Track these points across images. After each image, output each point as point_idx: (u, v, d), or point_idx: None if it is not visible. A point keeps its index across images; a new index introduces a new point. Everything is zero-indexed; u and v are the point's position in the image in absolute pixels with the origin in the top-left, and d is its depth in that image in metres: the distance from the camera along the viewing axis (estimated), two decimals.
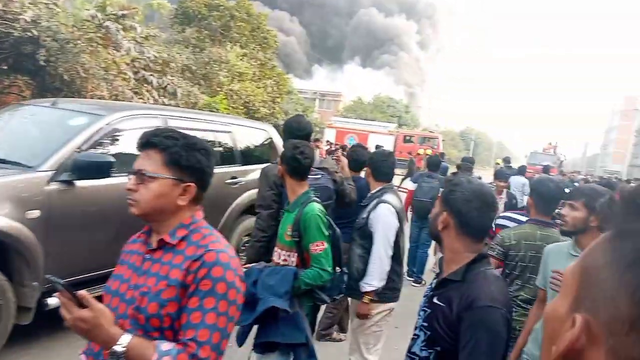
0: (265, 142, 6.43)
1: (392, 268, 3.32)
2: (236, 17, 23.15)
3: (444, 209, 1.80)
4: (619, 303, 0.48)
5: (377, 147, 9.36)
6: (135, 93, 13.39)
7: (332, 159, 3.99)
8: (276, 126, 26.00)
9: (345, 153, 15.45)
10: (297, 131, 3.52)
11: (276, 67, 25.01)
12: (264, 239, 3.48)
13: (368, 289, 3.24)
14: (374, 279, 3.23)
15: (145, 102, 13.26)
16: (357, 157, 4.65)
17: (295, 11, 60.34)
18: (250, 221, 5.01)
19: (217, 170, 5.28)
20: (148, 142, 1.56)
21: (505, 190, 6.43)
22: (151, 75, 13.42)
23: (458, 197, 1.75)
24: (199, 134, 5.04)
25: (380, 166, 3.52)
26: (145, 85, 13.60)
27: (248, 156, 6.00)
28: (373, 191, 3.49)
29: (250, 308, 2.63)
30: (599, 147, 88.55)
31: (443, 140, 37.16)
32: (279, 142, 6.57)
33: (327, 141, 23.23)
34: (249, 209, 5.66)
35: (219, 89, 20.04)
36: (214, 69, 20.04)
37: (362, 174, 4.31)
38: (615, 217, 0.54)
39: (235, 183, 5.62)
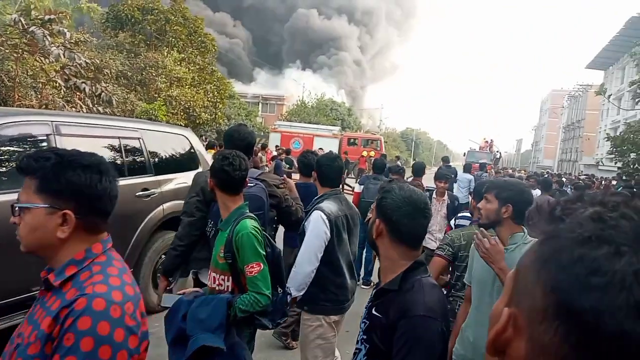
0: (185, 149, 5.83)
1: (328, 278, 3.15)
2: (172, 21, 22.55)
3: (377, 216, 1.78)
4: (535, 295, 0.55)
5: (320, 150, 9.39)
6: (67, 102, 12.74)
7: (280, 179, 3.73)
8: (218, 132, 25.65)
9: (286, 157, 15.42)
10: (238, 141, 3.28)
11: (216, 71, 24.58)
12: (180, 248, 3.25)
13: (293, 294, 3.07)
14: (292, 287, 3.03)
15: (78, 111, 12.65)
16: (307, 162, 4.59)
17: (236, 16, 59.79)
18: (171, 236, 4.46)
19: (124, 182, 4.59)
20: (19, 168, 1.33)
21: (447, 192, 6.44)
22: (83, 82, 12.79)
23: (389, 204, 1.73)
24: (99, 142, 4.61)
25: (326, 171, 3.35)
26: (78, 93, 12.96)
27: (163, 165, 5.42)
28: (316, 197, 3.36)
29: (184, 345, 2.35)
30: (530, 143, 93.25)
31: (385, 141, 37.88)
32: (200, 148, 6.12)
33: (276, 146, 23.01)
34: (167, 224, 5.19)
35: (156, 95, 19.45)
36: (150, 75, 19.44)
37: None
38: (539, 225, 0.61)
39: (148, 195, 5.03)
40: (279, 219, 3.53)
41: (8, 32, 11.53)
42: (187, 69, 21.40)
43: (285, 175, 4.32)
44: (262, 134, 34.16)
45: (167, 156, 5.60)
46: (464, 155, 35.42)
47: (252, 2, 61.06)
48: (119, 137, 4.90)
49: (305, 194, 4.14)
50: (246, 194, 2.78)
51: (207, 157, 6.14)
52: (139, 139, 5.14)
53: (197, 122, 21.00)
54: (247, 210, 2.63)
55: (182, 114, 20.29)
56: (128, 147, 5.01)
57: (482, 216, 2.58)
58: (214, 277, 2.67)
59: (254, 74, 57.75)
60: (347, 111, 46.51)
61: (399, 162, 11.37)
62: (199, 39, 23.97)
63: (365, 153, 27.34)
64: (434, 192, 6.40)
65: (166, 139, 5.65)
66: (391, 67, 74.94)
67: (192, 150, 5.87)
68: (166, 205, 5.22)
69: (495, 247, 2.31)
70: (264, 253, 2.53)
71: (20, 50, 11.33)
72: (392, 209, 1.72)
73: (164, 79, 19.82)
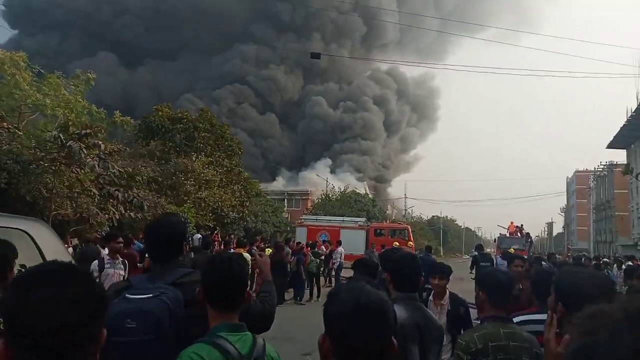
0: (22, 246, 3.73)
1: None
2: (199, 127, 23.78)
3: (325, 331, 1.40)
4: None
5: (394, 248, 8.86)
6: (101, 209, 13.18)
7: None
8: (246, 229, 25.87)
9: (313, 251, 15.33)
10: (167, 233, 2.45)
11: (242, 172, 25.40)
12: None
13: None
14: None
15: (110, 218, 13.03)
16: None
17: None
18: None
19: None
20: None
21: (448, 293, 4.77)
22: (116, 190, 13.33)
23: (331, 312, 1.39)
24: None
25: (402, 272, 2.89)
26: (111, 200, 13.44)
27: None
28: None
29: None
30: (562, 226, 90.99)
31: (412, 231, 37.51)
32: (46, 243, 4.16)
33: (297, 242, 22.91)
34: None
35: (186, 197, 20.01)
36: (180, 179, 20.14)
37: None
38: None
39: None
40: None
41: (48, 148, 12.28)
42: (215, 171, 22.16)
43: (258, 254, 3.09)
44: (288, 228, 34.39)
45: None
46: (495, 241, 34.57)
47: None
48: None
49: None
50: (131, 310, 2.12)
51: (66, 253, 4.67)
52: None
53: (225, 221, 21.33)
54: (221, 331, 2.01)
55: (210, 214, 20.69)
56: None
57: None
58: None
59: (277, 171, 59.30)
60: (371, 202, 46.77)
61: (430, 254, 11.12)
62: (226, 142, 25.06)
63: (396, 244, 26.95)
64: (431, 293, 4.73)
65: None
66: (413, 159, 76.11)
67: (35, 247, 4.08)
68: None
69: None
70: None
71: (57, 164, 11.97)
72: (335, 319, 1.37)
73: (193, 182, 20.49)
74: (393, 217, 54.92)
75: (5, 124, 13.36)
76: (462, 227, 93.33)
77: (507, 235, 34.57)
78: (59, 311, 1.08)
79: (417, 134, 73.44)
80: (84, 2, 57.43)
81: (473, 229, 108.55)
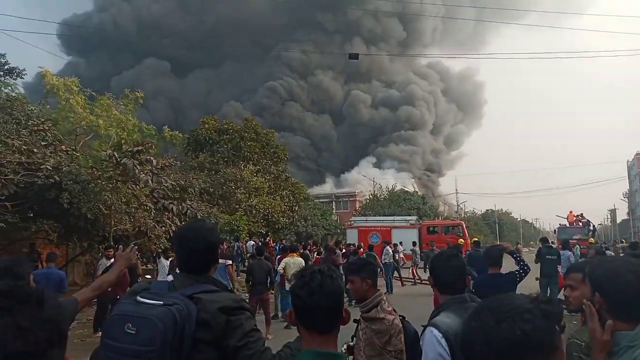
0: None
1: None
2: (245, 137, 24.16)
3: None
4: None
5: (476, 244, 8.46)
6: (157, 222, 13.55)
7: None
8: (297, 234, 25.99)
9: (367, 252, 15.16)
10: (193, 243, 2.18)
11: (290, 177, 25.61)
12: None
13: None
14: None
15: (167, 230, 13.38)
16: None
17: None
18: None
19: None
20: None
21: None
22: (171, 203, 13.68)
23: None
24: None
25: (440, 273, 2.67)
26: (166, 213, 13.81)
27: None
28: (434, 309, 2.67)
29: None
30: (626, 212, 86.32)
31: (467, 226, 36.62)
32: None
33: (349, 244, 22.83)
34: None
35: (237, 206, 20.35)
36: (230, 188, 20.50)
37: None
38: None
39: None
40: None
41: (104, 167, 12.77)
42: (263, 179, 22.45)
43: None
44: (338, 231, 34.34)
45: None
46: (555, 232, 33.23)
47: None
48: None
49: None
50: (135, 316, 1.92)
51: None
52: None
53: (277, 226, 21.54)
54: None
55: (262, 221, 20.94)
56: None
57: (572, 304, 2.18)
58: None
59: (324, 175, 59.44)
60: (421, 200, 46.00)
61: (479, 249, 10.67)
62: (272, 150, 25.35)
63: (461, 241, 26.32)
64: None
65: None
66: (458, 155, 74.34)
67: None
68: None
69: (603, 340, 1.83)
70: None
71: (114, 181, 12.42)
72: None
73: (243, 191, 20.82)
74: (445, 214, 53.84)
75: (64, 147, 14.01)
76: (519, 219, 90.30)
77: (567, 225, 33.17)
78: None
79: (463, 132, 71.87)
80: (129, 25, 59.84)
81: (530, 221, 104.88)
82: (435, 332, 2.35)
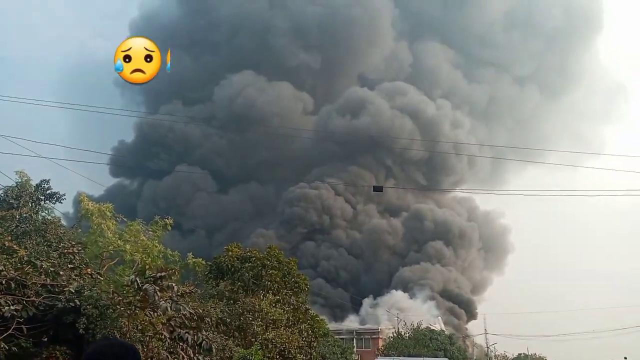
0: None
1: None
2: (267, 265, 24.13)
3: None
4: None
5: None
6: (170, 353, 13.15)
7: None
8: None
9: None
10: None
11: (310, 310, 24.96)
12: None
13: None
14: None
15: None
16: None
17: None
18: None
19: None
20: None
21: None
22: (186, 333, 13.38)
23: None
24: None
25: None
26: (181, 343, 13.45)
27: None
28: None
29: None
30: None
31: None
32: None
33: None
34: None
35: (253, 339, 19.65)
36: (247, 319, 19.99)
37: None
38: None
39: None
40: None
41: (125, 292, 12.79)
42: (282, 310, 21.91)
43: None
44: None
45: None
46: None
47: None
48: None
49: None
50: None
51: None
52: None
53: None
54: None
55: (277, 356, 20.04)
56: None
57: None
58: None
59: (346, 311, 57.41)
60: (448, 340, 43.59)
61: None
62: (293, 279, 25.09)
63: None
64: None
65: None
66: (480, 300, 71.56)
67: None
68: None
69: None
70: None
71: (132, 307, 12.34)
72: None
73: (261, 322, 20.24)
74: (475, 357, 50.54)
75: (89, 270, 14.23)
76: None
77: None
78: None
79: (487, 278, 69.86)
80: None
81: None
82: None
